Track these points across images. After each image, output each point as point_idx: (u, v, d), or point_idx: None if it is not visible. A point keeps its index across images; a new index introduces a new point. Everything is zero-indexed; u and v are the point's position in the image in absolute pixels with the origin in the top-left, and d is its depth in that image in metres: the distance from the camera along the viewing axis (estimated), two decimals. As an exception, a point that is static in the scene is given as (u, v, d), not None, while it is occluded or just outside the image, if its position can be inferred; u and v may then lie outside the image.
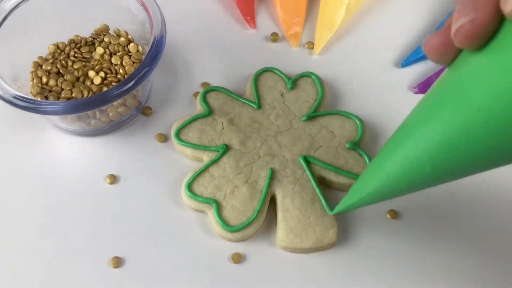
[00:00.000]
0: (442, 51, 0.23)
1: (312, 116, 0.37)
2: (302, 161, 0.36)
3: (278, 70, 0.40)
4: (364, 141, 0.37)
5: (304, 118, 0.37)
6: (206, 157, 0.36)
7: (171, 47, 0.42)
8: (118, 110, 0.37)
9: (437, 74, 0.40)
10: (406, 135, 0.26)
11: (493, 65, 0.21)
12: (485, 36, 0.21)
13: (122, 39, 0.39)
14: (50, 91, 0.38)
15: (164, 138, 0.38)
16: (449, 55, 0.23)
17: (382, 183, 0.27)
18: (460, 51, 0.23)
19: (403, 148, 0.25)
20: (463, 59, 0.23)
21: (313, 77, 0.39)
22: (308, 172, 0.35)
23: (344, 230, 0.35)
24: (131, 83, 0.34)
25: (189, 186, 0.35)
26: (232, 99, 0.38)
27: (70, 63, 0.39)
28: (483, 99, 0.21)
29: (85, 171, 0.37)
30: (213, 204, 0.34)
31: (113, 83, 0.38)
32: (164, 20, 0.37)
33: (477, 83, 0.22)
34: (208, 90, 0.39)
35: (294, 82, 0.39)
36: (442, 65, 0.24)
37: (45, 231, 0.35)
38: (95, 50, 0.40)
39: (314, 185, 0.35)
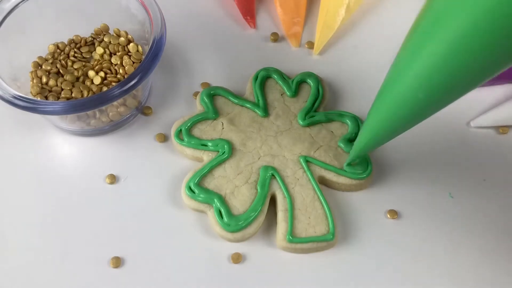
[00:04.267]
0: None
1: (311, 116, 0.37)
2: (302, 161, 0.36)
3: (279, 76, 0.39)
4: (364, 141, 0.37)
5: (303, 123, 0.37)
6: (206, 157, 0.36)
7: (171, 47, 0.42)
8: (118, 110, 0.37)
9: (437, 74, 0.40)
10: (395, 72, 0.27)
11: None
12: None
13: (122, 39, 0.39)
14: (50, 91, 0.38)
15: (164, 138, 0.38)
16: None
17: (383, 121, 0.29)
18: None
19: (395, 84, 0.27)
20: None
21: (313, 77, 0.39)
22: (308, 172, 0.35)
23: (344, 230, 0.35)
24: (131, 83, 0.34)
25: (191, 186, 0.35)
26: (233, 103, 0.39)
27: (70, 63, 0.39)
28: (464, 23, 0.22)
29: (85, 171, 0.37)
30: (213, 205, 0.34)
31: (113, 83, 0.38)
32: (164, 20, 0.37)
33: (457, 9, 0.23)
34: (208, 90, 0.39)
35: (295, 89, 0.39)
36: None
37: (45, 231, 0.35)
38: (95, 50, 0.40)
39: (314, 185, 0.35)
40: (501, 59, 0.23)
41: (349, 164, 0.35)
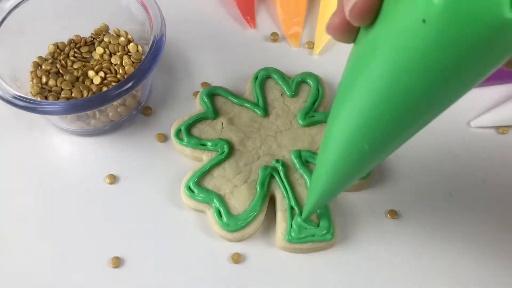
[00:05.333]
0: (343, 30, 0.24)
1: (311, 116, 0.37)
2: (301, 161, 0.35)
3: (279, 76, 0.39)
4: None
5: (303, 123, 0.37)
6: (206, 157, 0.36)
7: (171, 47, 0.42)
8: (118, 110, 0.37)
9: (437, 74, 0.40)
10: (332, 124, 0.26)
11: (383, 35, 0.22)
12: (373, 11, 0.22)
13: (121, 39, 0.39)
14: (50, 91, 0.38)
15: (164, 138, 0.38)
16: (350, 33, 0.25)
17: (330, 176, 0.28)
18: (358, 28, 0.24)
19: (337, 138, 0.26)
20: (362, 35, 0.24)
21: (313, 77, 0.39)
22: (308, 172, 0.35)
23: (343, 230, 0.35)
24: (131, 83, 0.34)
25: (190, 186, 0.35)
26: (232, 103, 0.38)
27: (69, 63, 0.39)
28: (383, 65, 0.22)
29: (85, 171, 0.37)
30: (212, 204, 0.34)
31: (113, 83, 0.38)
32: (164, 20, 0.37)
33: (374, 53, 0.23)
34: (208, 89, 0.39)
35: (295, 89, 0.39)
36: (347, 43, 0.26)
37: (45, 231, 0.35)
38: (94, 50, 0.40)
39: (314, 185, 0.35)
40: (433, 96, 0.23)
41: (306, 220, 0.34)
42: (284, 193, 0.34)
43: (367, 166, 0.27)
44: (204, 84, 0.40)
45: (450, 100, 0.24)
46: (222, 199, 0.34)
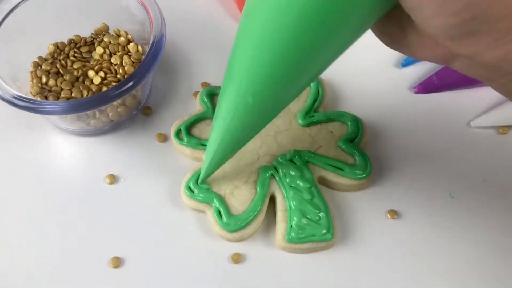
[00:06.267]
0: None
1: (311, 116, 0.37)
2: (301, 161, 0.35)
3: None
4: (364, 141, 0.37)
5: (303, 123, 0.37)
6: (206, 157, 0.36)
7: (171, 47, 0.42)
8: (118, 110, 0.37)
9: (437, 74, 0.40)
10: (226, 78, 0.28)
11: None
12: None
13: (121, 39, 0.39)
14: (50, 91, 0.38)
15: (164, 138, 0.38)
16: None
17: (221, 131, 0.29)
18: None
19: (225, 91, 0.28)
20: None
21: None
22: (308, 172, 0.35)
23: (343, 230, 0.35)
24: (131, 83, 0.34)
25: (190, 186, 0.35)
26: None
27: (69, 63, 0.39)
28: (267, 14, 0.24)
29: (85, 171, 0.37)
30: (212, 204, 0.34)
31: (113, 83, 0.38)
32: (164, 20, 0.37)
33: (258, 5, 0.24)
34: (208, 89, 0.39)
35: None
36: None
37: (45, 231, 0.35)
38: (94, 50, 0.40)
39: (314, 185, 0.35)
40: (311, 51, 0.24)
41: (202, 182, 0.34)
42: (284, 193, 0.34)
43: (255, 123, 0.29)
44: (204, 84, 0.40)
45: (329, 57, 0.26)
46: (222, 199, 0.34)
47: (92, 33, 0.41)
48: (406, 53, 0.25)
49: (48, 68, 0.39)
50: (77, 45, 0.40)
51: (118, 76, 0.38)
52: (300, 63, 0.25)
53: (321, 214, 0.34)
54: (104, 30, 0.41)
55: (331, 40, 0.24)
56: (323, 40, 0.24)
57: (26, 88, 0.38)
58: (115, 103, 0.36)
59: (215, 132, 0.30)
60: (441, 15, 0.20)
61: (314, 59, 0.25)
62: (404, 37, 0.24)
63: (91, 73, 0.38)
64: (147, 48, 0.37)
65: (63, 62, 0.39)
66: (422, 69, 0.41)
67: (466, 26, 0.20)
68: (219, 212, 0.34)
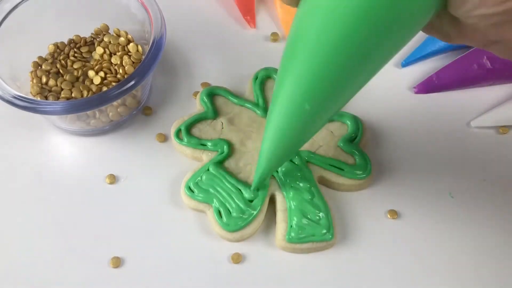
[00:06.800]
0: None
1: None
2: (301, 161, 0.35)
3: None
4: (364, 141, 0.37)
5: None
6: (206, 157, 0.36)
7: (171, 47, 0.42)
8: (118, 110, 0.37)
9: (437, 74, 0.40)
10: (279, 86, 0.28)
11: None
12: None
13: (121, 39, 0.39)
14: (50, 91, 0.38)
15: (164, 138, 0.38)
16: None
17: (276, 138, 0.29)
18: None
19: (280, 99, 0.28)
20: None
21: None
22: (308, 172, 0.35)
23: (343, 230, 0.35)
24: (131, 83, 0.34)
25: (190, 186, 0.35)
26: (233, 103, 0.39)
27: (69, 63, 0.39)
28: (322, 23, 0.25)
29: (85, 171, 0.37)
30: (212, 204, 0.34)
31: (113, 83, 0.38)
32: (164, 20, 0.37)
33: (313, 11, 0.26)
34: (208, 89, 0.39)
35: None
36: (293, 7, 0.29)
37: (45, 231, 0.35)
38: (94, 50, 0.40)
39: (314, 185, 0.35)
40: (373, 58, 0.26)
41: (256, 189, 0.34)
42: (284, 193, 0.34)
43: (310, 128, 0.29)
44: (204, 84, 0.40)
45: (383, 59, 0.27)
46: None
47: (92, 33, 0.41)
48: (442, 39, 0.26)
49: (48, 68, 0.39)
50: (77, 45, 0.40)
51: (118, 76, 0.38)
52: (354, 68, 0.26)
53: (321, 214, 0.34)
54: (104, 30, 0.41)
55: (384, 44, 0.25)
56: (377, 44, 0.25)
57: (26, 88, 0.38)
58: (115, 103, 0.36)
59: (269, 139, 0.30)
60: (484, 6, 0.22)
61: (367, 63, 0.26)
62: (441, 26, 0.26)
63: (91, 73, 0.38)
64: (147, 48, 0.37)
65: (63, 62, 0.39)
66: (422, 69, 0.41)
67: (506, 15, 0.22)
68: (219, 212, 0.34)
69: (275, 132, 0.29)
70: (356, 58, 0.25)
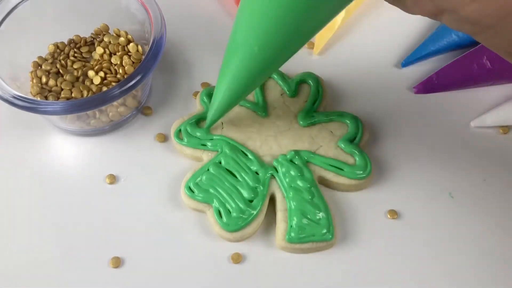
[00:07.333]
0: None
1: (311, 117, 0.37)
2: (301, 161, 0.35)
3: (279, 76, 0.39)
4: (364, 141, 0.37)
5: (303, 124, 0.37)
6: (206, 156, 0.36)
7: (171, 47, 0.42)
8: (118, 110, 0.37)
9: (437, 74, 0.40)
10: (233, 31, 0.31)
11: None
12: None
13: (121, 39, 0.39)
14: (50, 91, 0.38)
15: (164, 138, 0.38)
16: None
17: (228, 79, 0.32)
18: None
19: (232, 42, 0.31)
20: None
21: (313, 77, 0.39)
22: (307, 172, 0.35)
23: (343, 230, 0.35)
24: (131, 83, 0.34)
25: (190, 186, 0.35)
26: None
27: (69, 63, 0.39)
28: None
29: (85, 171, 0.37)
30: (212, 204, 0.34)
31: (113, 83, 0.38)
32: (164, 20, 0.37)
33: None
34: (208, 89, 0.39)
35: (295, 89, 0.39)
36: None
37: (44, 231, 0.35)
38: (94, 50, 0.40)
39: (314, 185, 0.35)
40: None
41: (208, 128, 0.36)
42: (284, 193, 0.34)
43: (261, 72, 0.31)
44: (204, 84, 0.40)
45: (329, 9, 0.28)
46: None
47: (92, 33, 0.41)
48: (402, 8, 0.27)
49: (48, 68, 0.39)
50: (77, 45, 0.40)
51: (118, 76, 0.38)
52: (302, 13, 0.27)
53: (321, 214, 0.34)
54: (104, 30, 0.41)
55: None
56: None
57: (26, 88, 0.38)
58: (115, 103, 0.36)
59: (221, 80, 0.33)
60: None
61: (317, 8, 0.28)
62: None
63: (91, 73, 0.38)
64: (147, 48, 0.37)
65: (63, 62, 0.39)
66: (422, 69, 0.41)
67: None
68: (219, 212, 0.34)
69: (226, 72, 0.32)
70: (303, 6, 0.27)
